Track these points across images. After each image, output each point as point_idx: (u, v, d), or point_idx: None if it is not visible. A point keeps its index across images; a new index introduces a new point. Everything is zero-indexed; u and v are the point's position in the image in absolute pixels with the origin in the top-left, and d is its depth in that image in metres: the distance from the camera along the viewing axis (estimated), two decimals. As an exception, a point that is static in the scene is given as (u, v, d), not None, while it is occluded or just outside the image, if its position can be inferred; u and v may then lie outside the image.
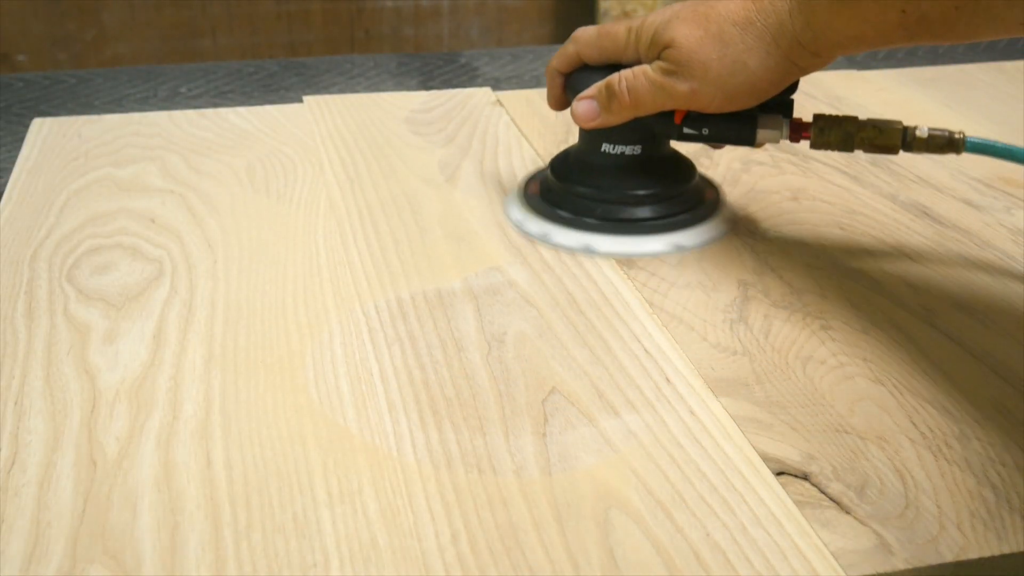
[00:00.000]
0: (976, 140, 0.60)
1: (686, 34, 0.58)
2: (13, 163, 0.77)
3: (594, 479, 0.45)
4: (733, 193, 0.71)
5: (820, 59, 0.57)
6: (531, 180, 0.71)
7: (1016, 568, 0.41)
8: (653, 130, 0.64)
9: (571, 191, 0.66)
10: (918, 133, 0.60)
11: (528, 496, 0.44)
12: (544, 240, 0.64)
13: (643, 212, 0.64)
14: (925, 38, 0.53)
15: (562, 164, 0.68)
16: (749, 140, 0.62)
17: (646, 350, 0.54)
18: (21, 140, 0.81)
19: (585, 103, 0.63)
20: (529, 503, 0.43)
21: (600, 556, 0.41)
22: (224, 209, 0.69)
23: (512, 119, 0.85)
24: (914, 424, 0.48)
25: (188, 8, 1.79)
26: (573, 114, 0.63)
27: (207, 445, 0.47)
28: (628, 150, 0.64)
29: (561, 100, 0.67)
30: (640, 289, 0.59)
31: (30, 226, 0.67)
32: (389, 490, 0.44)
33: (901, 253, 0.64)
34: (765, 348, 0.54)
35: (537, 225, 0.65)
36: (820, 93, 0.90)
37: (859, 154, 0.77)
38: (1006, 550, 0.41)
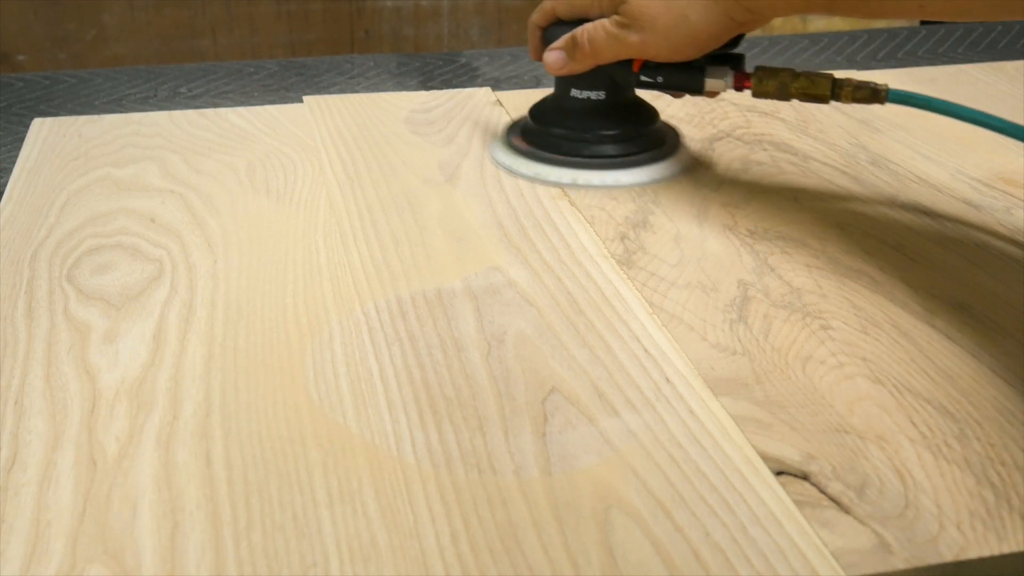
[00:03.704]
0: (898, 91, 0.66)
1: None
2: (13, 163, 0.77)
3: (594, 479, 0.45)
4: (733, 194, 0.71)
5: (753, 16, 0.64)
6: (514, 125, 0.80)
7: (1016, 568, 0.41)
8: (615, 78, 0.72)
9: (548, 132, 0.75)
10: (846, 83, 0.66)
11: (528, 496, 0.44)
12: (521, 174, 0.74)
13: (610, 150, 0.74)
14: (843, 9, 0.61)
15: (539, 109, 0.77)
16: (698, 88, 0.70)
17: (646, 350, 0.54)
18: (21, 140, 0.81)
19: (555, 53, 0.72)
20: (529, 503, 0.43)
21: (600, 556, 0.41)
22: (224, 209, 0.69)
23: (512, 119, 0.84)
24: (914, 424, 0.48)
25: (188, 8, 1.79)
26: (545, 62, 0.72)
27: (207, 445, 0.47)
28: (594, 95, 0.73)
29: (539, 51, 0.74)
30: (640, 289, 0.59)
31: (30, 226, 0.67)
32: (389, 490, 0.44)
33: (901, 253, 0.64)
34: (765, 348, 0.54)
35: (520, 163, 0.74)
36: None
37: (859, 155, 0.77)
38: (1006, 550, 0.41)
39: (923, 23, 1.24)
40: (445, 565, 0.40)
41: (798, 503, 0.43)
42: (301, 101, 0.89)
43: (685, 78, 0.71)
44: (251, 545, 0.41)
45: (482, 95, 0.90)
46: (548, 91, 0.79)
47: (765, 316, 0.57)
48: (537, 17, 0.74)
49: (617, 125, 0.74)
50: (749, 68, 0.70)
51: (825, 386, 0.51)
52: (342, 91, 0.98)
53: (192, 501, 0.43)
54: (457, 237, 0.65)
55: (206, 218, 0.68)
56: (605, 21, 0.69)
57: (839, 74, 0.68)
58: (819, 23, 1.99)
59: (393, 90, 0.98)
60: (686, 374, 0.52)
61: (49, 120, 0.84)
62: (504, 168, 0.75)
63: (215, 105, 0.94)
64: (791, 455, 0.46)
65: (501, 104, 0.88)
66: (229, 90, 0.99)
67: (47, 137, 0.81)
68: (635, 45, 0.68)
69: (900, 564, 0.40)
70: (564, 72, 0.72)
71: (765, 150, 0.78)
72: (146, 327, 0.56)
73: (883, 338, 0.55)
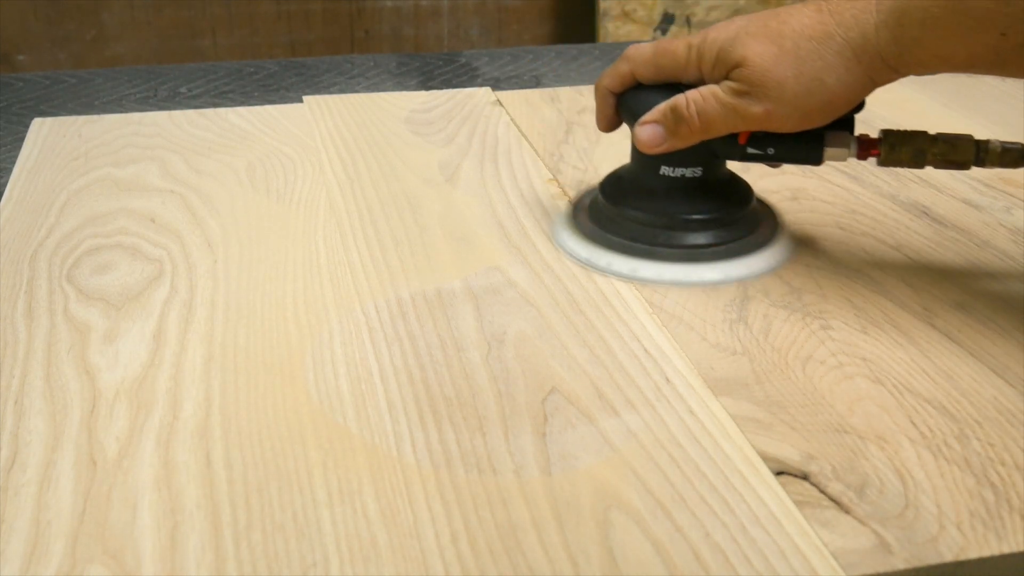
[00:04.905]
0: None
1: (759, 51, 0.55)
2: (13, 163, 0.77)
3: (594, 479, 0.45)
4: (733, 193, 0.71)
5: (897, 75, 0.54)
6: (580, 202, 0.68)
7: (1016, 568, 0.41)
8: (715, 151, 0.61)
9: (625, 215, 0.63)
10: (991, 147, 0.58)
11: (528, 496, 0.44)
12: (592, 266, 0.62)
13: (705, 238, 0.61)
14: (1013, 68, 0.51)
15: (616, 187, 0.64)
16: (816, 159, 0.60)
17: (646, 350, 0.54)
18: (21, 140, 0.81)
19: (649, 128, 0.60)
20: (529, 503, 0.43)
21: (600, 556, 0.41)
22: (224, 209, 0.69)
23: (512, 119, 0.85)
24: (914, 424, 0.48)
25: (188, 8, 1.79)
26: (636, 139, 0.60)
27: (207, 445, 0.47)
28: (689, 172, 0.61)
29: (612, 121, 0.64)
30: (640, 289, 0.59)
31: (30, 226, 0.67)
32: (389, 490, 0.44)
33: (901, 253, 0.64)
34: (765, 348, 0.54)
35: (587, 250, 0.63)
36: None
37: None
38: (1005, 550, 0.41)
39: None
40: (445, 565, 0.40)
41: (798, 503, 0.43)
42: (301, 101, 0.89)
43: (802, 149, 0.59)
44: (251, 545, 0.41)
45: (482, 95, 0.90)
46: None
47: (765, 316, 0.57)
48: (610, 82, 0.62)
49: (714, 207, 0.62)
50: (863, 130, 0.60)
51: (825, 386, 0.51)
52: (342, 91, 0.98)
53: (192, 501, 0.43)
54: (457, 237, 0.65)
55: (206, 218, 0.68)
56: (716, 89, 0.57)
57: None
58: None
59: (393, 90, 0.98)
60: (686, 374, 0.52)
61: (49, 120, 0.84)
62: (569, 254, 0.63)
63: (215, 105, 0.94)
64: (791, 455, 0.46)
65: (501, 104, 0.88)
66: (229, 90, 0.99)
67: (47, 137, 0.81)
68: (757, 117, 0.56)
69: (900, 564, 0.40)
70: (663, 150, 0.60)
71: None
72: (146, 327, 0.56)
73: (883, 338, 0.55)
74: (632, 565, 0.40)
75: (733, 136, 0.59)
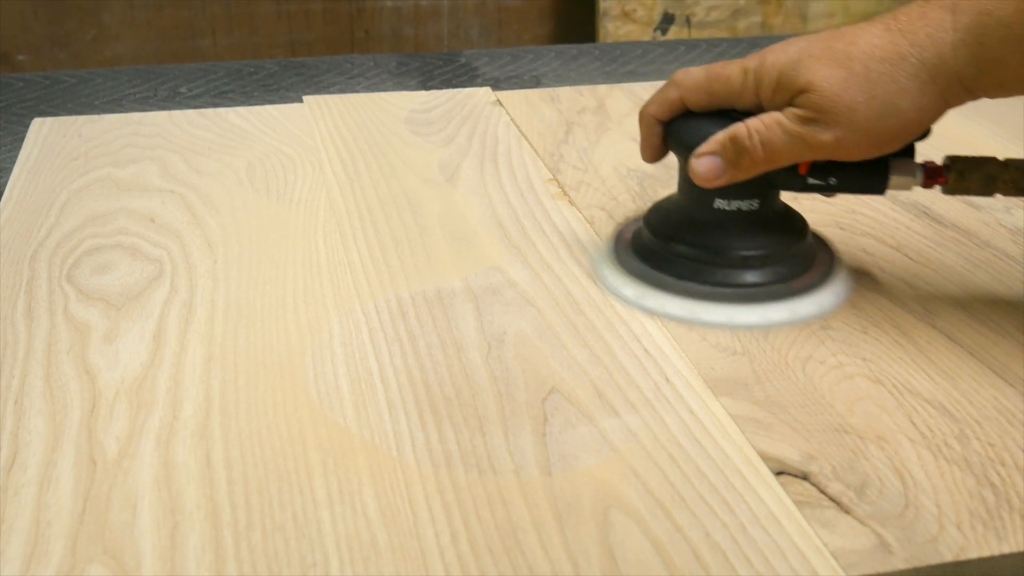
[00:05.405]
0: None
1: (826, 75, 0.51)
2: (13, 163, 0.77)
3: (594, 479, 0.45)
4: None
5: (972, 97, 0.52)
6: (622, 234, 0.63)
7: (1016, 568, 0.41)
8: (773, 182, 0.57)
9: (673, 250, 0.58)
10: None
11: (528, 496, 0.44)
12: (641, 306, 0.57)
13: (762, 275, 0.57)
14: None
15: (662, 220, 0.60)
16: (879, 188, 0.56)
17: (646, 350, 0.54)
18: (21, 140, 0.81)
19: (707, 160, 0.55)
20: (529, 503, 0.43)
21: (600, 556, 0.41)
22: (224, 209, 0.69)
23: (512, 119, 0.85)
24: (914, 424, 0.48)
25: (188, 8, 1.79)
26: (692, 172, 0.56)
27: (207, 445, 0.47)
28: (745, 206, 0.57)
29: (659, 151, 0.59)
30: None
31: (30, 226, 0.67)
32: (389, 490, 0.44)
33: (901, 253, 0.64)
34: (765, 348, 0.54)
35: (634, 289, 0.58)
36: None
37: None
38: (1006, 550, 0.41)
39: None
40: (445, 565, 0.40)
41: (798, 503, 0.43)
42: (301, 101, 0.89)
43: (866, 178, 0.55)
44: (251, 545, 0.41)
45: (482, 95, 0.90)
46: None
47: (765, 316, 0.57)
48: (656, 109, 0.58)
49: (772, 242, 0.58)
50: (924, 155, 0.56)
51: (825, 386, 0.51)
52: (342, 91, 0.98)
53: (192, 501, 0.43)
54: (457, 237, 0.65)
55: (206, 218, 0.68)
56: (779, 116, 0.53)
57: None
58: (819, 22, 1.99)
59: (393, 90, 0.98)
60: (686, 374, 0.52)
61: (49, 120, 0.84)
62: (614, 293, 0.59)
63: (215, 105, 0.94)
64: (791, 455, 0.46)
65: (501, 104, 0.88)
66: (229, 90, 0.99)
67: (47, 137, 0.81)
68: (826, 145, 0.52)
69: (900, 564, 0.40)
70: (722, 183, 0.55)
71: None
72: (146, 327, 0.56)
73: (883, 338, 0.55)
74: (632, 565, 0.40)
75: (793, 166, 0.55)
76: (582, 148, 0.79)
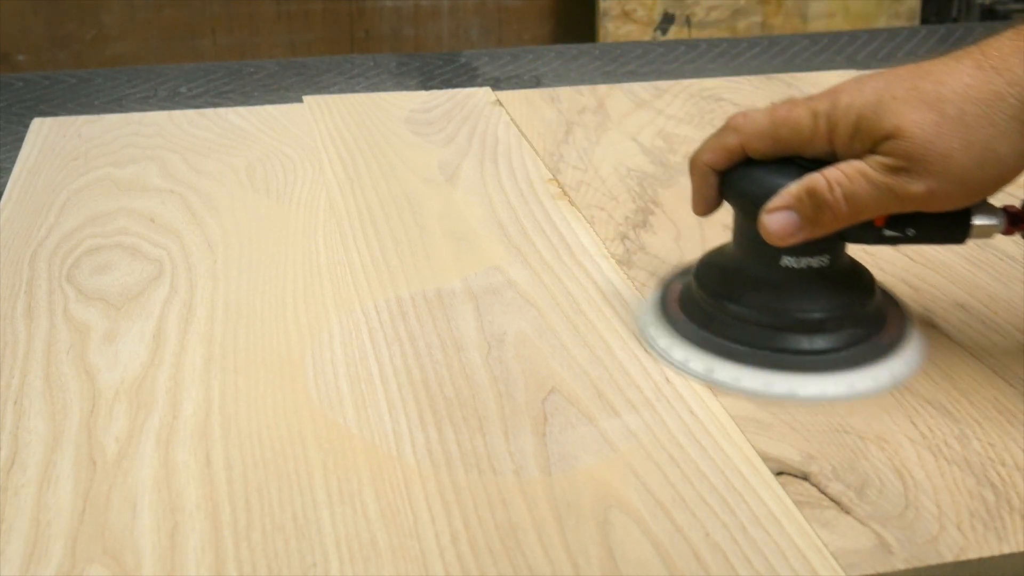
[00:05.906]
0: None
1: (915, 120, 0.46)
2: (13, 163, 0.77)
3: (594, 479, 0.45)
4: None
5: None
6: (668, 290, 0.57)
7: (1016, 568, 0.41)
8: (846, 236, 0.51)
9: (729, 311, 0.52)
10: None
11: (528, 496, 0.44)
12: (707, 379, 0.51)
13: (832, 340, 0.51)
14: None
15: (717, 277, 0.54)
16: (960, 238, 0.50)
17: (646, 350, 0.54)
18: (21, 140, 0.81)
19: (781, 216, 0.49)
20: (529, 503, 0.43)
21: (600, 556, 0.41)
22: (224, 209, 0.69)
23: (512, 119, 0.85)
24: (914, 424, 0.48)
25: (188, 8, 1.79)
26: (764, 229, 0.49)
27: (207, 445, 0.47)
28: (815, 262, 0.51)
29: (713, 203, 0.53)
30: (640, 289, 0.59)
31: (30, 226, 0.67)
32: (389, 490, 0.44)
33: (901, 253, 0.64)
34: (765, 348, 0.54)
35: (701, 361, 0.52)
36: (820, 93, 0.89)
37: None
38: (1006, 550, 0.41)
39: (923, 21, 1.24)
40: (445, 565, 0.40)
41: (798, 503, 0.43)
42: (301, 101, 0.89)
43: (947, 228, 0.50)
44: (251, 545, 0.41)
45: (482, 95, 0.90)
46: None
47: (765, 316, 0.57)
48: (712, 157, 0.51)
49: (843, 302, 0.52)
50: None
51: (825, 386, 0.51)
52: (342, 91, 0.98)
53: (192, 501, 0.43)
54: (457, 237, 0.65)
55: (206, 218, 0.68)
56: (862, 166, 0.47)
57: None
58: (819, 22, 1.99)
59: (393, 90, 0.98)
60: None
61: (49, 120, 0.84)
62: (662, 355, 0.53)
63: (215, 105, 0.94)
64: (791, 455, 0.46)
65: (501, 104, 0.88)
66: (229, 90, 0.99)
67: (47, 137, 0.81)
68: (918, 196, 0.47)
69: (900, 564, 0.40)
70: (798, 240, 0.49)
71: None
72: (146, 327, 0.56)
73: (883, 338, 0.55)
74: (632, 565, 0.40)
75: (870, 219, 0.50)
76: (582, 148, 0.79)
